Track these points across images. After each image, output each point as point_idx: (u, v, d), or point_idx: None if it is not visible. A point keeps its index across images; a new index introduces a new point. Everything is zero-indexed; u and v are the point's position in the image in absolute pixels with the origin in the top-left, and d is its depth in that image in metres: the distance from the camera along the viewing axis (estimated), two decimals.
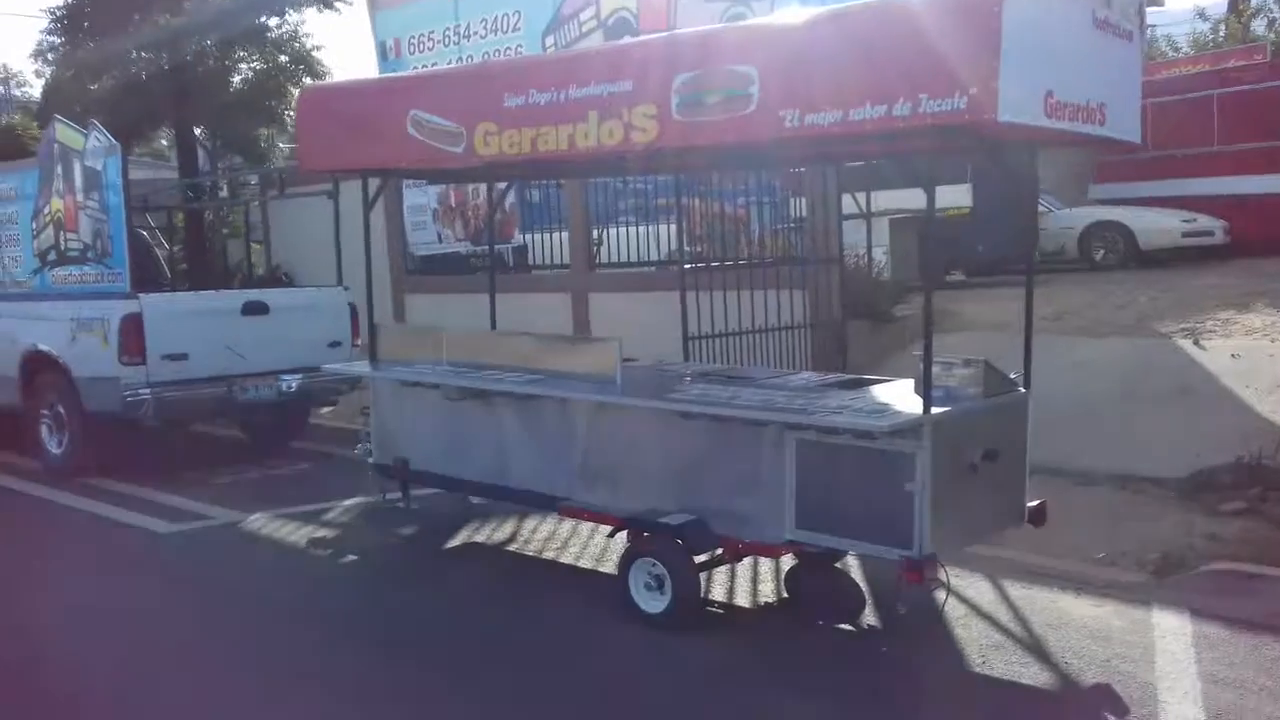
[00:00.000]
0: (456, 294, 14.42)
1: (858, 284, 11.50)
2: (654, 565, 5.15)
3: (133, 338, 8.07)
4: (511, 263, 14.20)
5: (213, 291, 8.90)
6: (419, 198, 14.44)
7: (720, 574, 5.74)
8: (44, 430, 8.77)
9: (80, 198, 8.42)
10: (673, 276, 9.82)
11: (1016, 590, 5.60)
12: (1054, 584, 5.67)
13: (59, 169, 8.58)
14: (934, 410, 4.64)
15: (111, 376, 8.15)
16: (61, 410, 8.60)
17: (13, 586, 6.12)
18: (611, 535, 5.58)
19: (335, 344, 9.11)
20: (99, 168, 8.24)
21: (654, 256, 12.58)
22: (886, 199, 14.35)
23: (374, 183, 6.91)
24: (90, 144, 8.28)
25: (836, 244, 10.86)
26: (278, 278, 16.37)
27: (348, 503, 7.53)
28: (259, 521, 7.27)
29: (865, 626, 5.21)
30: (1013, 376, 5.31)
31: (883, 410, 4.80)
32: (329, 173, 6.81)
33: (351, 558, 6.53)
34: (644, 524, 5.23)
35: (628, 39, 8.83)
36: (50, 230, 8.74)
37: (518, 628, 5.27)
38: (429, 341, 6.57)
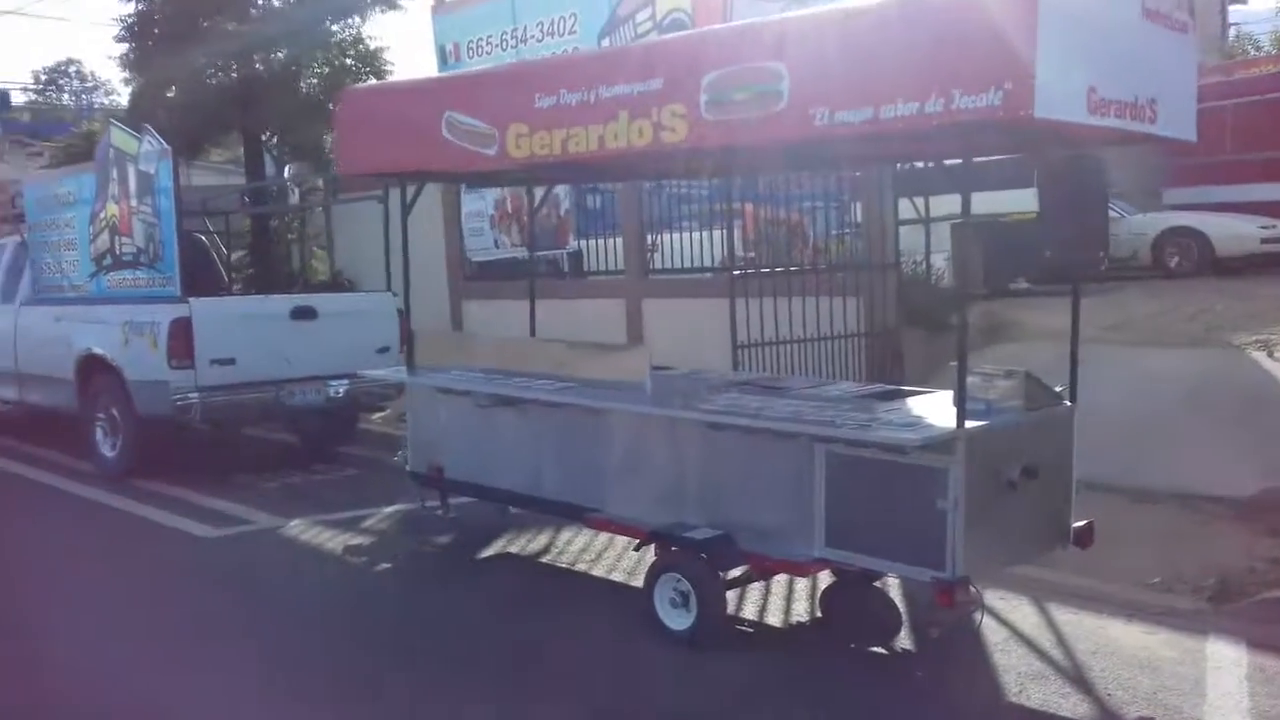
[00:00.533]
0: (513, 300, 14.43)
1: (915, 291, 11.21)
2: (679, 581, 4.99)
3: (181, 342, 8.13)
4: (567, 268, 14.14)
5: (262, 296, 8.93)
6: (476, 203, 14.46)
7: (755, 590, 5.56)
8: (98, 433, 8.89)
9: (134, 202, 8.52)
10: (726, 283, 9.66)
11: (1062, 615, 5.34)
12: (1103, 609, 5.40)
13: (114, 173, 8.69)
14: (968, 424, 4.43)
15: (161, 380, 8.23)
16: (115, 413, 8.70)
17: (43, 587, 6.16)
18: (637, 549, 5.44)
19: (384, 349, 9.10)
20: (151, 172, 8.33)
21: (710, 262, 12.43)
22: (950, 203, 14.02)
23: (416, 188, 6.84)
24: (143, 148, 8.38)
25: (892, 249, 10.62)
26: (340, 283, 16.56)
27: (388, 510, 7.49)
28: (298, 527, 7.26)
29: (899, 649, 4.99)
30: (1058, 389, 5.07)
31: (915, 423, 4.59)
32: (368, 176, 6.74)
33: (385, 565, 6.47)
34: (669, 538, 5.08)
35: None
36: (106, 234, 8.87)
37: (541, 642, 5.16)
38: (464, 348, 6.53)
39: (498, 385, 6.04)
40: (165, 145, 8.20)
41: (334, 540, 6.95)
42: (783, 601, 5.54)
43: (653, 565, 5.18)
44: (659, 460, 5.44)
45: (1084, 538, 5.12)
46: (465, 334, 6.81)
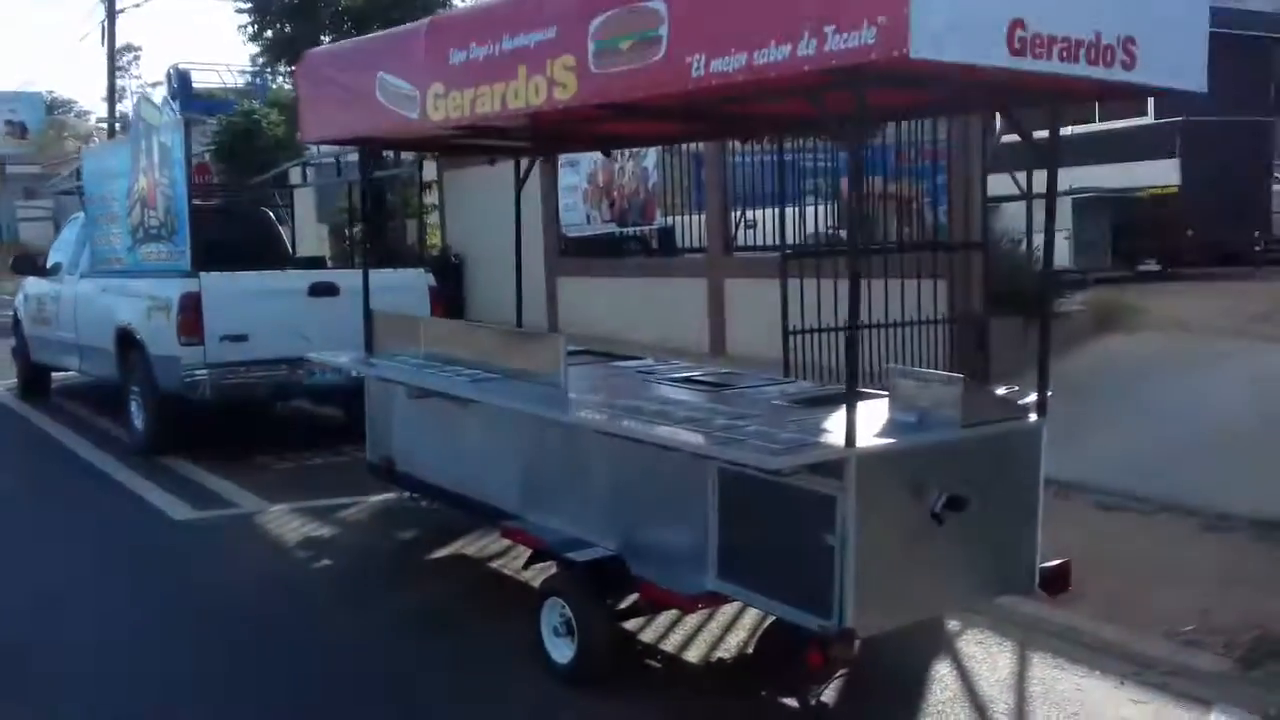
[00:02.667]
0: (603, 278, 13.93)
1: (1013, 273, 10.03)
2: (563, 607, 4.33)
3: (191, 317, 7.96)
4: (656, 245, 13.51)
5: (279, 271, 8.67)
6: (571, 178, 13.99)
7: (696, 618, 4.81)
8: (132, 406, 8.86)
9: (157, 175, 8.40)
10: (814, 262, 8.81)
11: (1042, 669, 4.44)
12: (1099, 664, 4.47)
13: (143, 145, 8.60)
14: (863, 443, 3.60)
15: (173, 355, 8.09)
16: (142, 387, 8.64)
17: None
18: (526, 566, 4.79)
19: None
20: (170, 143, 8.17)
21: (801, 239, 11.55)
22: (1070, 177, 12.63)
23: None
24: (164, 119, 8.24)
25: (979, 226, 9.51)
26: (448, 259, 16.42)
27: (374, 499, 7.09)
28: (275, 514, 6.95)
29: (815, 702, 4.18)
30: (1022, 400, 4.14)
31: (803, 441, 3.77)
32: (325, 143, 6.31)
33: (325, 563, 6.05)
34: (553, 556, 4.42)
35: None
36: (139, 207, 8.80)
37: (428, 662, 4.61)
38: (412, 332, 6.00)
39: (417, 375, 5.51)
40: (178, 116, 8.02)
41: (298, 531, 6.60)
42: (717, 633, 4.80)
43: (540, 586, 4.53)
44: (567, 467, 4.79)
45: (1056, 581, 4.20)
46: (416, 318, 6.26)
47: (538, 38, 4.38)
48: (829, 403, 4.43)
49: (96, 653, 4.79)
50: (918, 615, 3.92)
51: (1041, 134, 4.59)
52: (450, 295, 15.81)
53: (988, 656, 4.60)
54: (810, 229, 11.53)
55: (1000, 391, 4.32)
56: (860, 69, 3.24)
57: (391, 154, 17.56)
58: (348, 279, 8.75)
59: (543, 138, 6.02)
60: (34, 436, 9.70)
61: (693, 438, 3.88)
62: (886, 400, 4.12)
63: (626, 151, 13.05)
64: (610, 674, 4.27)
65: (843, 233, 11.03)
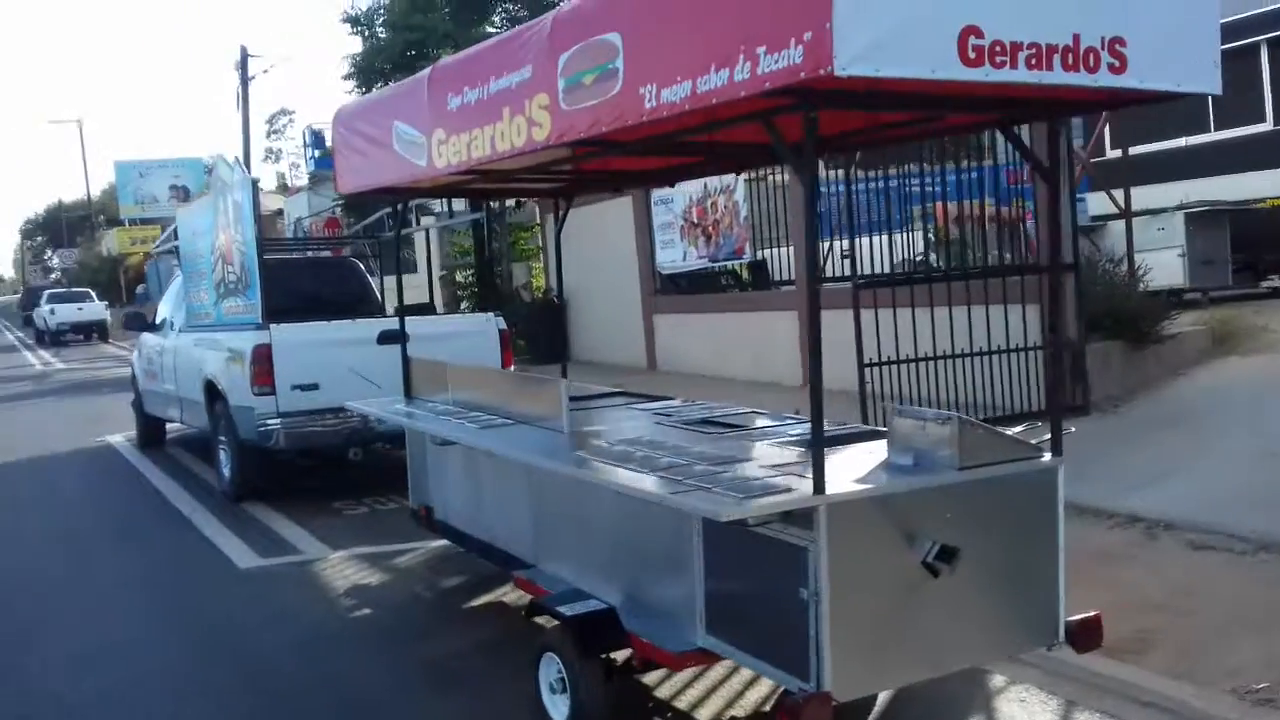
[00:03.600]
0: (699, 314, 13.76)
1: (1116, 296, 9.47)
2: (558, 662, 4.16)
3: (262, 368, 8.13)
4: (749, 279, 13.27)
5: (347, 321, 8.79)
6: (665, 215, 13.91)
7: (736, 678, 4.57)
8: (220, 454, 9.10)
9: (232, 231, 8.65)
10: (916, 291, 8.48)
11: None
12: None
13: (220, 203, 8.88)
14: (836, 490, 3.34)
15: (248, 406, 8.28)
16: (226, 436, 8.87)
17: (46, 584, 6.22)
18: (527, 619, 4.62)
19: None
20: (241, 201, 8.40)
21: (899, 268, 11.13)
22: (1181, 190, 11.86)
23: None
24: (235, 177, 8.48)
25: (1070, 246, 8.98)
26: (549, 302, 16.51)
27: (432, 544, 7.05)
28: (334, 561, 7.00)
29: None
30: (1036, 440, 3.80)
31: (775, 487, 3.51)
32: (357, 193, 6.36)
33: (365, 612, 6.01)
34: (545, 609, 4.26)
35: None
36: (220, 263, 9.08)
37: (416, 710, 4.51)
38: (440, 377, 5.96)
39: (431, 421, 5.44)
40: (246, 174, 8.24)
41: (349, 579, 6.62)
42: (739, 688, 4.55)
43: (538, 641, 4.37)
44: (571, 515, 4.63)
45: (1085, 636, 3.82)
46: (443, 363, 6.21)
47: (517, 78, 4.30)
48: (841, 444, 4.16)
49: (107, 693, 4.85)
50: (913, 676, 3.60)
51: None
52: (552, 336, 15.93)
53: (1028, 716, 4.23)
54: (905, 256, 11.12)
55: (1017, 429, 3.97)
56: (798, 90, 3.03)
57: (499, 201, 17.89)
58: (417, 326, 8.81)
59: (553, 179, 5.90)
60: (136, 483, 10.06)
61: (646, 483, 3.68)
62: (885, 442, 3.84)
63: (717, 185, 12.90)
64: None
65: (932, 259, 10.60)
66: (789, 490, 3.37)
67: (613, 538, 4.35)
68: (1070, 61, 3.18)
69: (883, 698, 4.38)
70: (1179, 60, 3.38)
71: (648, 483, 3.68)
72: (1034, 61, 3.11)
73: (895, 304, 8.53)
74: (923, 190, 10.80)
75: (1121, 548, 6.23)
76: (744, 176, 12.47)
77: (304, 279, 9.90)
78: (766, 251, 12.67)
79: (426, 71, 5.20)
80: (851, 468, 3.68)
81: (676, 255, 13.84)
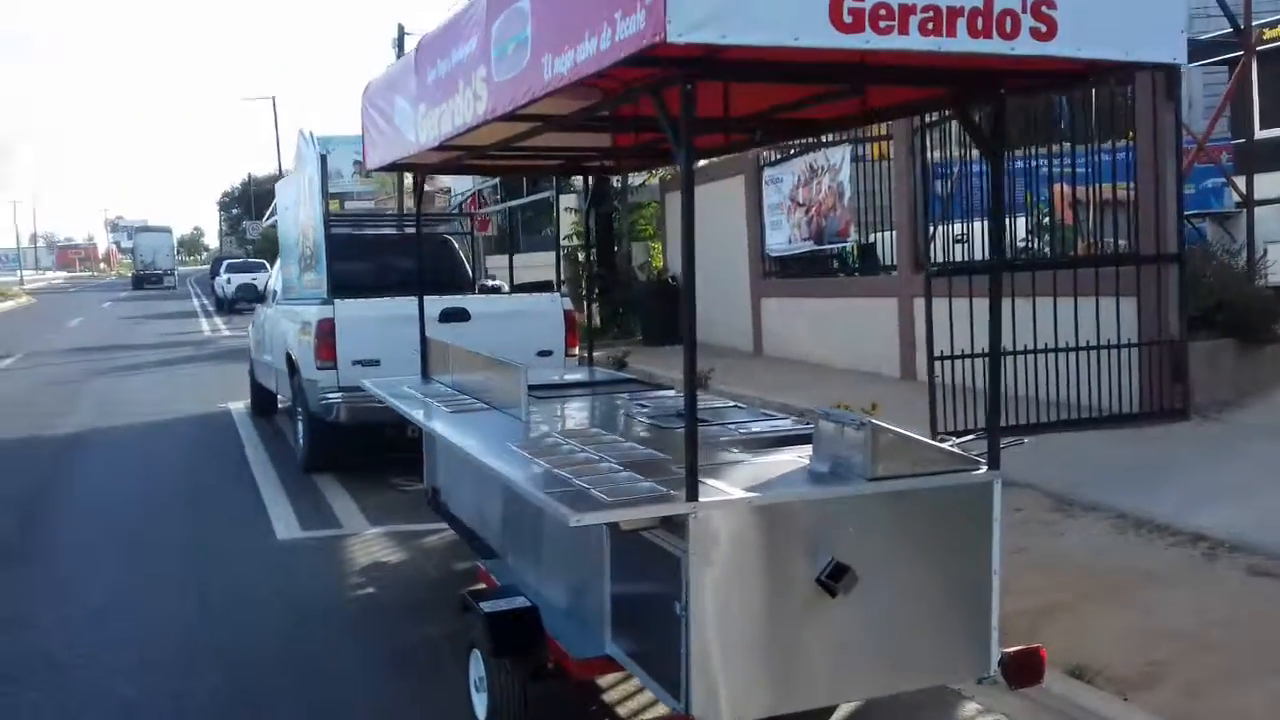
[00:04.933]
0: (803, 298, 13.34)
1: (1231, 290, 8.67)
2: (478, 661, 4.04)
3: (325, 342, 8.28)
4: (855, 263, 12.77)
5: (410, 298, 8.83)
6: (774, 196, 13.54)
7: None
8: (298, 425, 9.35)
9: (308, 207, 8.82)
10: (1022, 279, 7.98)
11: None
12: None
13: (301, 178, 9.07)
14: (713, 498, 3.09)
15: (313, 379, 8.45)
16: (301, 409, 9.10)
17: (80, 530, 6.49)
18: (460, 610, 4.49)
19: (545, 353, 8.68)
20: (313, 176, 8.56)
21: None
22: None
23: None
24: (310, 152, 8.64)
25: (1175, 237, 8.27)
26: (664, 283, 16.35)
27: None
28: (368, 538, 7.10)
29: None
30: (974, 452, 3.44)
31: (653, 491, 3.27)
32: (380, 170, 6.34)
33: (369, 590, 6.04)
34: (468, 605, 4.12)
35: None
36: (302, 237, 9.29)
37: (382, 700, 4.47)
38: (444, 359, 5.90)
39: (410, 403, 5.37)
40: (317, 149, 8.37)
41: (373, 556, 6.71)
42: None
43: (469, 635, 4.24)
44: (520, 508, 4.48)
45: (1021, 670, 3.44)
46: (446, 344, 6.14)
47: (467, 50, 4.16)
48: (784, 445, 3.88)
49: (98, 645, 5.02)
50: (804, 703, 3.29)
51: None
52: (665, 318, 15.78)
53: None
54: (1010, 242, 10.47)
55: (965, 439, 3.62)
56: (678, 60, 2.78)
57: (618, 180, 17.81)
58: (479, 305, 8.85)
59: (541, 157, 5.72)
60: (231, 450, 10.43)
61: (526, 478, 3.49)
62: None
63: (824, 164, 12.46)
64: None
65: (1037, 246, 9.93)
66: (667, 496, 3.14)
67: (548, 535, 4.19)
68: (980, 26, 2.82)
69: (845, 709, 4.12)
70: (1129, 24, 2.97)
71: (528, 477, 3.51)
72: (930, 26, 2.77)
73: (972, 294, 8.02)
74: (1050, 171, 10.14)
75: (1172, 569, 5.67)
76: (850, 156, 12.01)
77: (392, 255, 10.03)
78: (880, 235, 12.18)
79: (417, 45, 5.12)
80: (762, 473, 3.41)
81: (783, 238, 13.46)
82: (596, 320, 17.79)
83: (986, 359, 8.09)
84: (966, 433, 7.78)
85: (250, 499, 8.30)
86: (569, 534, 3.87)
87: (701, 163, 19.64)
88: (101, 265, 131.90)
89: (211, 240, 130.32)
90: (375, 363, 8.33)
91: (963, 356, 8.07)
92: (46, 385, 16.68)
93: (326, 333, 8.29)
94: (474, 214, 14.64)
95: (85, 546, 7.09)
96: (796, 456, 3.64)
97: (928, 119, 10.67)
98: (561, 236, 18.85)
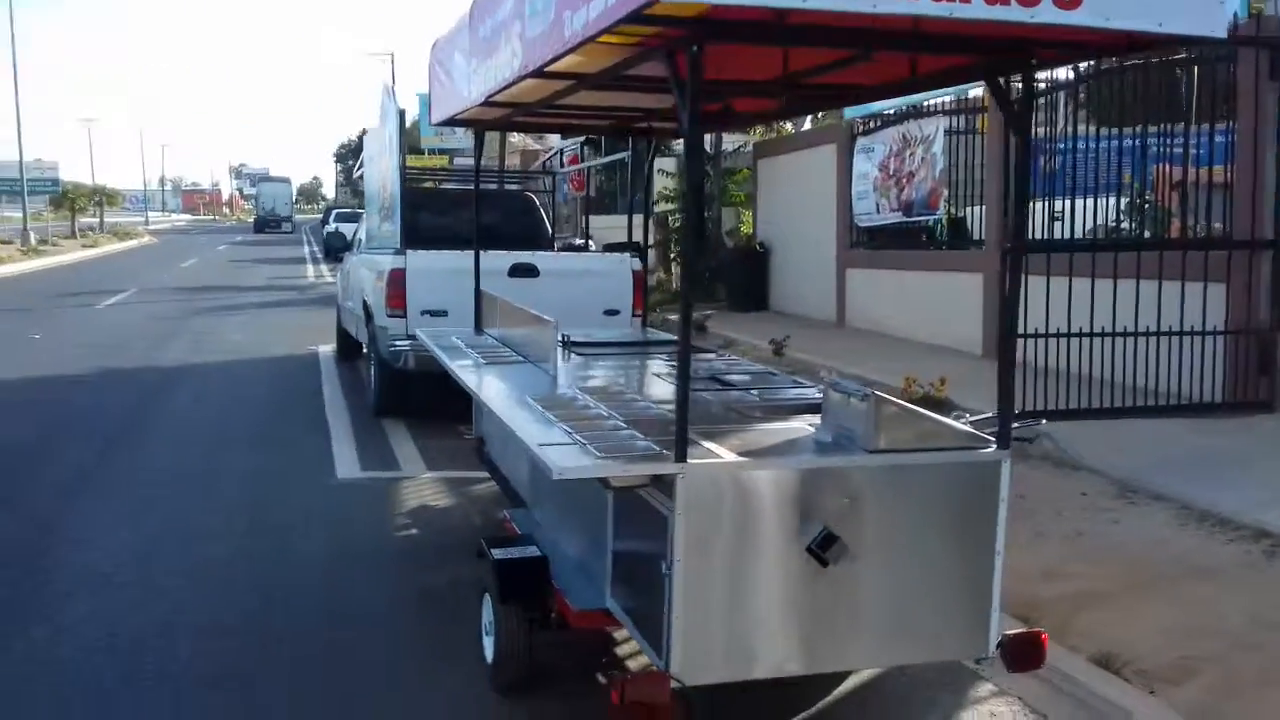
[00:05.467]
0: (890, 269, 13.08)
1: None
2: (488, 605, 4.11)
3: (396, 291, 8.44)
4: (945, 236, 12.47)
5: (481, 252, 8.91)
6: (864, 165, 13.30)
7: None
8: (372, 370, 9.57)
9: (388, 159, 8.96)
10: (1110, 259, 7.74)
11: None
12: None
13: (383, 131, 9.21)
14: (702, 460, 3.08)
15: (384, 326, 8.63)
16: (374, 355, 9.31)
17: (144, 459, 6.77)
18: (477, 556, 4.55)
19: (612, 311, 8.70)
20: (391, 130, 8.69)
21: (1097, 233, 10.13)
22: None
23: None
24: (389, 106, 8.77)
25: (1271, 222, 7.89)
26: (751, 249, 16.22)
27: None
28: (422, 481, 7.26)
29: None
30: (987, 430, 3.36)
31: (647, 450, 3.26)
32: (445, 125, 6.40)
33: (412, 532, 6.19)
34: (483, 552, 4.19)
35: None
36: (382, 189, 9.45)
37: (396, 642, 4.58)
38: (494, 313, 5.96)
39: (451, 354, 5.43)
40: (395, 103, 8.50)
41: (422, 499, 6.86)
42: None
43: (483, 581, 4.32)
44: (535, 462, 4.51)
45: (1020, 654, 3.37)
46: (497, 298, 6.19)
47: (507, 7, 4.17)
48: (795, 413, 3.85)
49: (148, 567, 5.23)
50: (790, 669, 3.25)
51: None
52: (751, 284, 15.67)
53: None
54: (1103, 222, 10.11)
55: (979, 417, 3.53)
56: (686, 21, 2.75)
57: (712, 141, 17.67)
58: (548, 261, 8.91)
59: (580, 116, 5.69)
60: (310, 392, 10.73)
61: (530, 430, 3.52)
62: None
63: (917, 134, 12.18)
64: (522, 684, 3.99)
65: (1124, 226, 9.57)
66: (657, 455, 3.14)
67: (563, 489, 4.22)
68: None
69: (852, 681, 4.09)
70: None
71: (530, 429, 3.54)
72: None
73: (1050, 272, 7.79)
74: (1159, 150, 9.75)
75: (1227, 565, 5.46)
76: (944, 127, 11.72)
77: (469, 210, 10.13)
78: (967, 209, 11.89)
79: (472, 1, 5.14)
80: (764, 439, 3.39)
81: (871, 207, 13.22)
82: (674, 285, 17.76)
83: (1062, 339, 7.89)
84: (1031, 416, 7.59)
85: (319, 439, 8.53)
86: (579, 489, 3.91)
87: (796, 128, 19.40)
88: (225, 210, 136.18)
89: (330, 191, 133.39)
90: (443, 313, 8.46)
91: (1036, 336, 7.85)
92: (151, 320, 17.37)
93: (397, 282, 8.44)
94: (555, 172, 14.68)
95: (155, 475, 7.40)
96: (805, 425, 3.60)
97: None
98: (654, 200, 18.88)
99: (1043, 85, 9.78)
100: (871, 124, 13.29)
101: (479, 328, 6.46)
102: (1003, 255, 7.70)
